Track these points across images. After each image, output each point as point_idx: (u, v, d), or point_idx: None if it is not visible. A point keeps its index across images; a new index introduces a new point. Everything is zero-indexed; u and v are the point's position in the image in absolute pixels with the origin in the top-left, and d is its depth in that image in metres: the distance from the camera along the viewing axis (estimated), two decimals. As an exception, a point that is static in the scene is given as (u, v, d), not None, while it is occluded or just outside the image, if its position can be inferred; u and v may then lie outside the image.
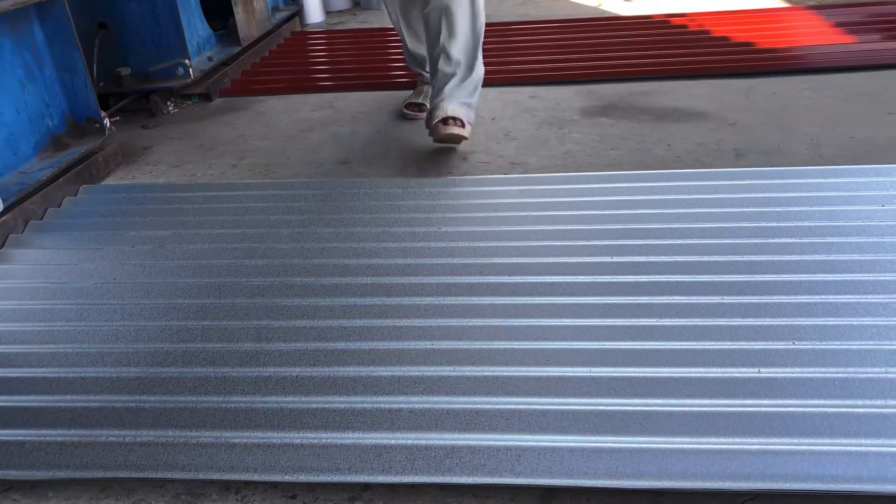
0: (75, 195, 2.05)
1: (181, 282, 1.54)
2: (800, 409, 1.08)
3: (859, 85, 2.54)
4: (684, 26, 3.42)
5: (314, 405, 1.16)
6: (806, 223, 1.58)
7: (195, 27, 2.98)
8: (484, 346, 1.27)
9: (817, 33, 3.08)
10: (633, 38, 3.29)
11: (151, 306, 1.46)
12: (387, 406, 1.15)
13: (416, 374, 1.21)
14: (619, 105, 2.56)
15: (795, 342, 1.22)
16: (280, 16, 3.93)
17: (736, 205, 1.69)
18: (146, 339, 1.36)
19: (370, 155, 2.32)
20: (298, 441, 1.10)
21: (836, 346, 1.20)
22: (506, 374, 1.20)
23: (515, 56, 3.25)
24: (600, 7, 4.15)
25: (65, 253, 1.70)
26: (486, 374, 1.20)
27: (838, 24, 3.16)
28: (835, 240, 1.51)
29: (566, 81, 2.86)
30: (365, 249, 1.62)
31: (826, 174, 1.83)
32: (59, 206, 1.98)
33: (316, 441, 1.09)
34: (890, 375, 1.13)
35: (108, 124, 2.31)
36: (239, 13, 3.24)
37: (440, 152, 2.28)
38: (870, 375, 1.14)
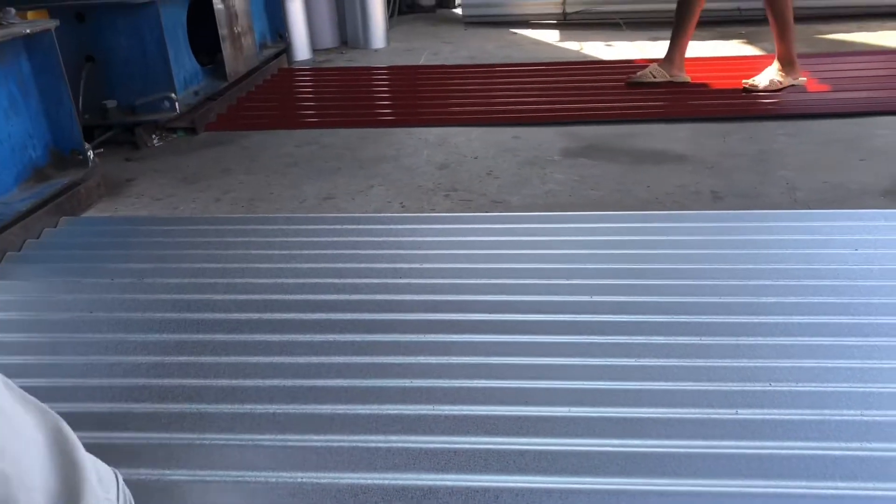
0: (55, 227, 2.04)
1: (159, 316, 1.53)
2: (777, 451, 1.08)
3: (833, 132, 2.60)
4: (664, 71, 3.49)
5: (290, 443, 1.15)
6: (782, 265, 1.61)
7: (182, 62, 3.01)
8: (463, 385, 1.27)
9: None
10: (614, 81, 3.36)
11: (128, 340, 1.44)
12: (364, 445, 1.14)
13: (394, 412, 1.21)
14: (599, 147, 2.60)
15: (772, 384, 1.23)
16: (267, 52, 3.97)
17: (714, 246, 1.72)
18: (121, 373, 1.34)
19: (353, 191, 2.33)
20: (273, 480, 1.08)
21: (813, 388, 1.21)
22: (484, 413, 1.19)
23: (498, 97, 3.30)
24: (582, 51, 4.24)
25: (41, 285, 1.68)
26: (464, 413, 1.20)
27: (812, 73, 3.25)
28: (810, 282, 1.53)
29: (548, 123, 2.91)
30: (345, 285, 1.62)
31: (801, 217, 1.86)
32: (39, 238, 1.97)
33: (291, 480, 1.08)
34: (865, 418, 1.14)
35: (92, 156, 2.31)
36: (227, 49, 3.27)
37: (423, 190, 2.30)
38: (846, 418, 1.15)
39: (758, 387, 1.22)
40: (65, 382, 1.31)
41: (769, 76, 3.05)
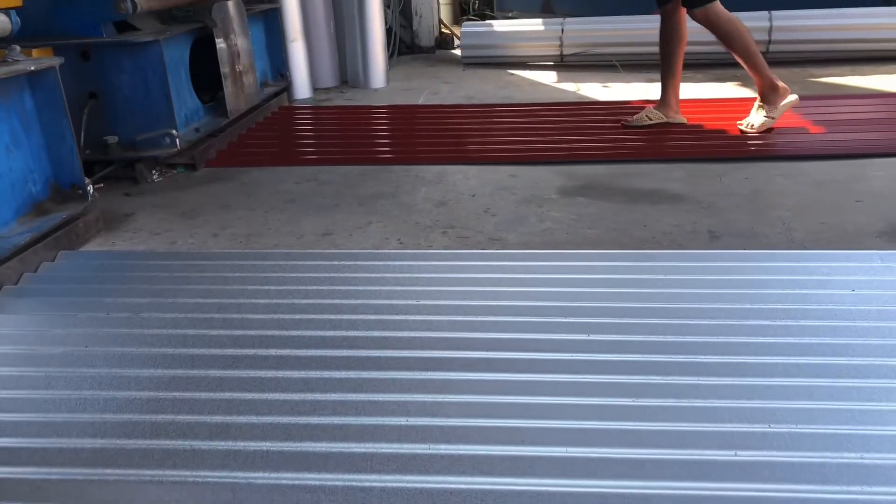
0: (53, 260, 2.04)
1: (154, 351, 1.52)
2: (777, 494, 1.07)
3: (828, 173, 2.63)
4: (660, 112, 3.53)
5: (283, 481, 1.13)
6: (780, 306, 1.61)
7: (184, 99, 3.04)
8: (459, 423, 1.25)
9: (787, 124, 3.20)
10: (611, 121, 3.40)
11: (122, 375, 1.43)
12: (358, 484, 1.12)
13: (389, 451, 1.19)
14: (596, 186, 2.62)
15: (771, 425, 1.22)
16: (268, 91, 4.02)
17: (711, 286, 1.72)
18: (114, 409, 1.33)
19: (351, 227, 2.34)
20: (266, 519, 1.06)
21: (812, 430, 1.20)
22: (481, 452, 1.18)
23: (496, 136, 3.33)
24: (579, 91, 4.30)
25: (37, 318, 1.67)
26: (461, 452, 1.18)
27: (807, 116, 3.29)
28: (808, 323, 1.53)
29: (545, 162, 2.94)
30: (342, 321, 1.61)
31: (798, 258, 1.87)
32: (36, 272, 1.96)
33: (284, 519, 1.06)
34: (865, 461, 1.13)
35: (92, 191, 2.32)
36: (228, 87, 3.31)
37: (421, 227, 2.30)
38: (845, 461, 1.13)
39: (757, 428, 1.21)
40: (57, 417, 1.30)
41: (761, 116, 3.08)
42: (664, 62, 3.23)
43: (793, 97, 3.08)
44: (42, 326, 1.64)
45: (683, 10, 3.03)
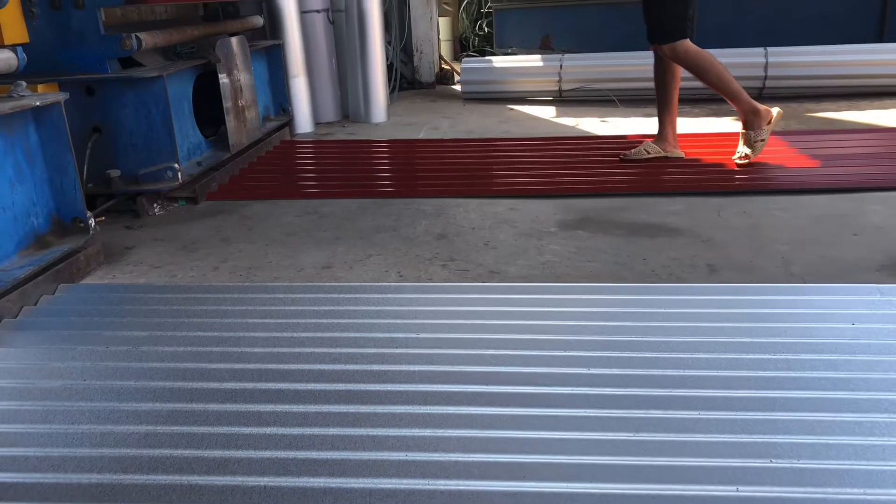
0: (53, 293, 2.04)
1: (153, 385, 1.51)
2: (779, 531, 1.06)
3: (826, 207, 2.64)
4: (658, 146, 3.57)
5: (282, 517, 1.12)
6: (780, 339, 1.60)
7: (187, 133, 3.07)
8: (460, 459, 1.25)
9: (784, 158, 3.23)
10: (609, 155, 3.43)
11: (120, 409, 1.43)
12: (357, 520, 1.11)
13: (388, 486, 1.18)
14: (595, 219, 2.64)
15: (773, 460, 1.21)
16: (270, 125, 4.06)
17: (711, 319, 1.72)
18: (112, 443, 1.32)
19: (351, 260, 2.34)
20: (263, 556, 1.05)
21: (814, 466, 1.19)
22: (481, 488, 1.17)
23: (496, 170, 3.36)
24: (578, 126, 4.34)
25: (35, 352, 1.67)
26: (460, 487, 1.17)
27: (805, 150, 3.32)
28: (808, 357, 1.52)
29: (544, 195, 2.96)
30: (341, 355, 1.61)
31: (798, 291, 1.87)
32: (36, 304, 1.97)
33: (281, 556, 1.05)
34: (868, 497, 1.12)
35: (93, 224, 2.33)
36: (230, 121, 3.34)
37: (421, 260, 2.31)
38: (848, 496, 1.12)
39: (758, 463, 1.20)
40: (54, 452, 1.29)
41: (749, 144, 3.11)
42: (659, 98, 3.28)
43: (776, 111, 3.11)
44: (41, 360, 1.63)
45: None
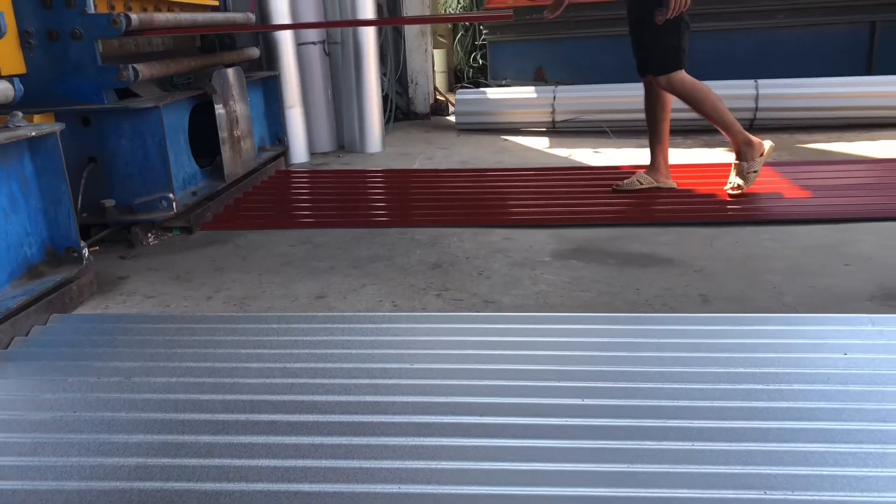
0: (45, 324, 2.03)
1: (144, 416, 1.50)
2: (774, 564, 1.05)
3: (817, 237, 2.66)
4: (651, 177, 3.60)
5: (273, 552, 1.11)
6: (772, 369, 1.61)
7: (182, 163, 3.09)
8: (454, 491, 1.24)
9: (775, 188, 3.26)
10: (602, 186, 3.46)
11: (110, 441, 1.41)
12: (349, 554, 1.10)
13: (381, 519, 1.17)
14: (589, 249, 2.65)
15: (767, 492, 1.20)
16: (266, 155, 4.09)
17: (704, 349, 1.72)
18: (101, 476, 1.31)
19: (346, 290, 2.34)
20: (253, 591, 1.03)
21: (808, 497, 1.19)
22: (474, 520, 1.16)
23: (491, 200, 3.38)
24: (571, 157, 4.38)
25: (26, 383, 1.66)
26: (453, 520, 1.16)
27: (796, 181, 3.35)
28: (801, 387, 1.53)
29: (538, 225, 2.97)
30: (335, 386, 1.60)
31: (790, 321, 1.88)
32: (27, 335, 1.96)
33: (272, 592, 1.03)
34: (863, 529, 1.12)
35: (87, 254, 2.33)
36: (226, 151, 3.36)
37: (415, 290, 2.31)
38: (843, 528, 1.12)
39: (753, 495, 1.20)
40: (42, 486, 1.28)
41: (742, 175, 3.15)
42: (651, 129, 3.32)
43: (768, 144, 3.15)
44: (31, 391, 1.62)
45: None
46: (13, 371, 1.72)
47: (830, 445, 1.32)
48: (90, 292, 2.35)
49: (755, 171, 3.13)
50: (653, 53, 3.11)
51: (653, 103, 3.27)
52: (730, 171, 3.23)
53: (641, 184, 3.31)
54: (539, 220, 3.02)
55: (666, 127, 3.29)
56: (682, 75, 3.08)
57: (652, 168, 3.35)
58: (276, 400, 1.55)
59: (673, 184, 3.34)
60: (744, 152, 3.13)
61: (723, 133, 3.18)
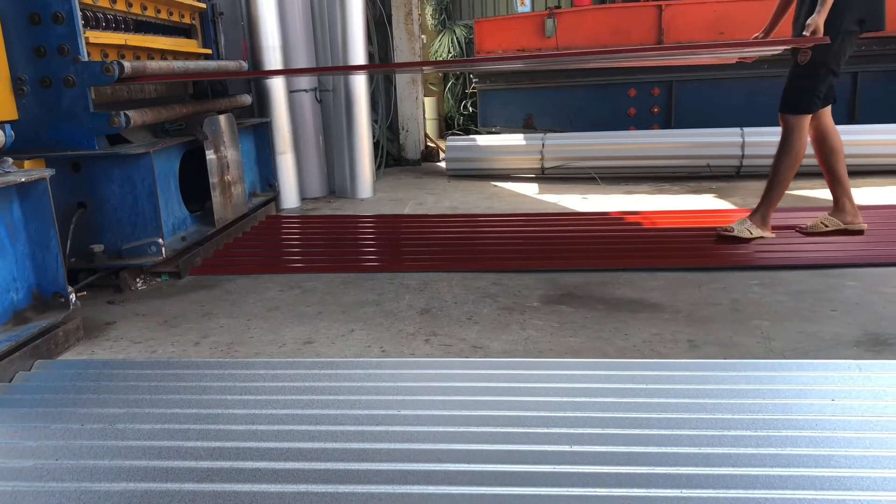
0: (29, 370, 2.01)
1: (127, 464, 1.48)
2: None
3: (804, 283, 2.68)
4: (638, 223, 3.64)
5: None
6: (760, 416, 1.60)
7: (172, 209, 3.10)
8: (438, 540, 1.22)
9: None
10: (590, 232, 3.49)
11: (92, 490, 1.39)
12: None
13: (365, 570, 1.15)
14: (577, 294, 2.66)
15: (756, 540, 1.19)
16: (257, 200, 4.11)
17: (692, 395, 1.71)
18: (81, 526, 1.28)
19: (334, 335, 2.33)
20: None
21: (798, 546, 1.18)
22: (460, 571, 1.14)
23: (480, 245, 3.40)
24: (559, 203, 4.42)
25: (8, 430, 1.63)
26: (439, 571, 1.14)
27: (780, 227, 3.39)
28: (789, 433, 1.52)
29: (527, 270, 2.98)
30: (321, 433, 1.58)
31: (778, 367, 1.88)
32: (10, 381, 1.93)
33: None
34: (854, 578, 1.10)
35: (74, 299, 2.32)
36: (216, 197, 3.38)
37: (404, 335, 2.31)
38: (833, 578, 1.11)
39: (742, 543, 1.18)
40: (20, 536, 1.25)
41: (744, 224, 3.21)
42: (828, 173, 3.28)
43: (771, 235, 3.26)
44: (13, 438, 1.60)
45: (824, 121, 3.19)
46: (-6, 418, 1.70)
47: (819, 492, 1.32)
48: (77, 337, 2.33)
49: (748, 238, 3.20)
50: (787, 90, 3.14)
51: (821, 147, 3.24)
52: (717, 216, 3.27)
53: (827, 226, 3.29)
54: (528, 265, 3.04)
55: (841, 168, 3.24)
56: (804, 121, 3.11)
57: (837, 210, 3.31)
58: (261, 447, 1.53)
59: (864, 225, 3.27)
60: (757, 220, 3.24)
61: (764, 192, 3.25)
